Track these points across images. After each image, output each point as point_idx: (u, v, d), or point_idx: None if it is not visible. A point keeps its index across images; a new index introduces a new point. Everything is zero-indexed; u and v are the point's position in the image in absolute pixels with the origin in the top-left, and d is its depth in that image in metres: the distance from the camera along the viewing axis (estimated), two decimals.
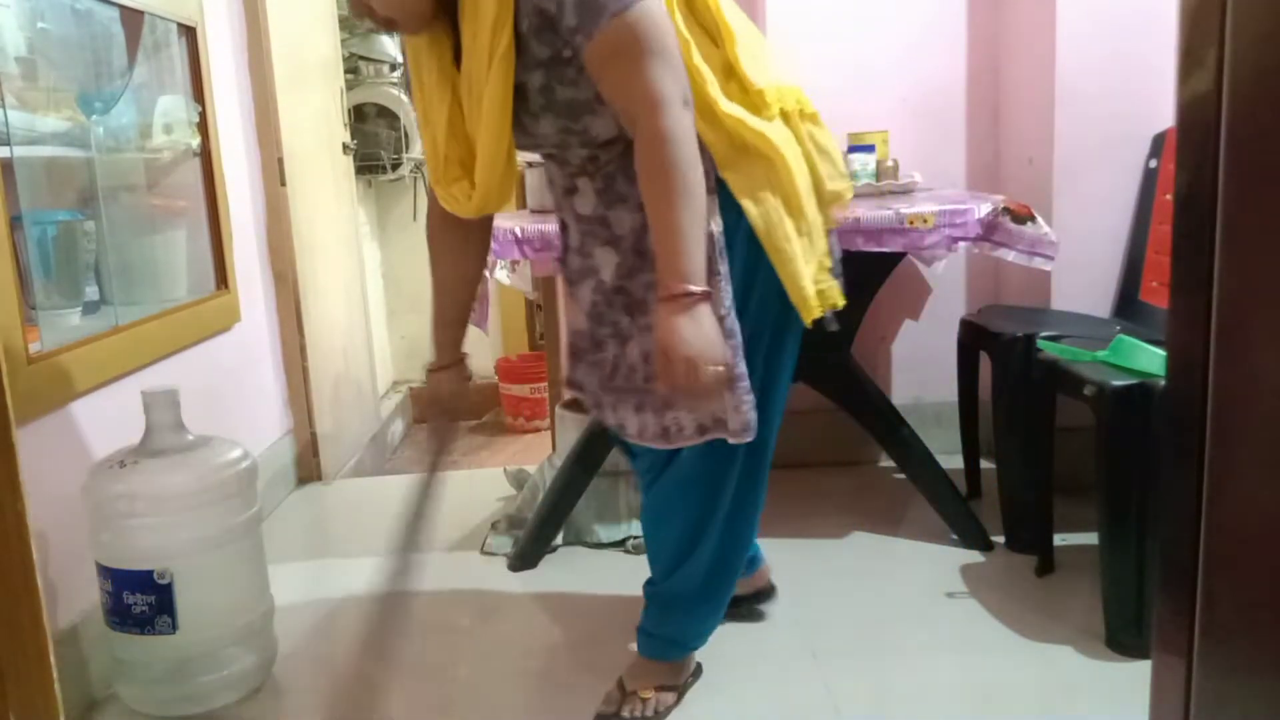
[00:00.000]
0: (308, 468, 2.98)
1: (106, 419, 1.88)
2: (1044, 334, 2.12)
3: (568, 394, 1.71)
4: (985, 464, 2.55)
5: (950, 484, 2.32)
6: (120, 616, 1.67)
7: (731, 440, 1.45)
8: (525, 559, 2.30)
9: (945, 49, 2.79)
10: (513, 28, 1.31)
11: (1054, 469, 2.09)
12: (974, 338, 2.43)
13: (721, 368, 1.31)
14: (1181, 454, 0.80)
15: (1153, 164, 2.47)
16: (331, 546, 2.56)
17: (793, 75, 1.52)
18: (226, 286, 2.47)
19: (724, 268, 1.41)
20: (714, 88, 1.40)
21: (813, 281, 1.47)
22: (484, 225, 1.63)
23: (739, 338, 1.42)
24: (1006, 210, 2.10)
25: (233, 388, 2.54)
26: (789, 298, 1.46)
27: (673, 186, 1.28)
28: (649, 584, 1.70)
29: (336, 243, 3.26)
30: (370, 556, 2.35)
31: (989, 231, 2.10)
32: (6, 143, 1.66)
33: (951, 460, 2.49)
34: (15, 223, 1.67)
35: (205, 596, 1.69)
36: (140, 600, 1.65)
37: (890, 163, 2.55)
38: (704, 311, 1.30)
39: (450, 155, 1.43)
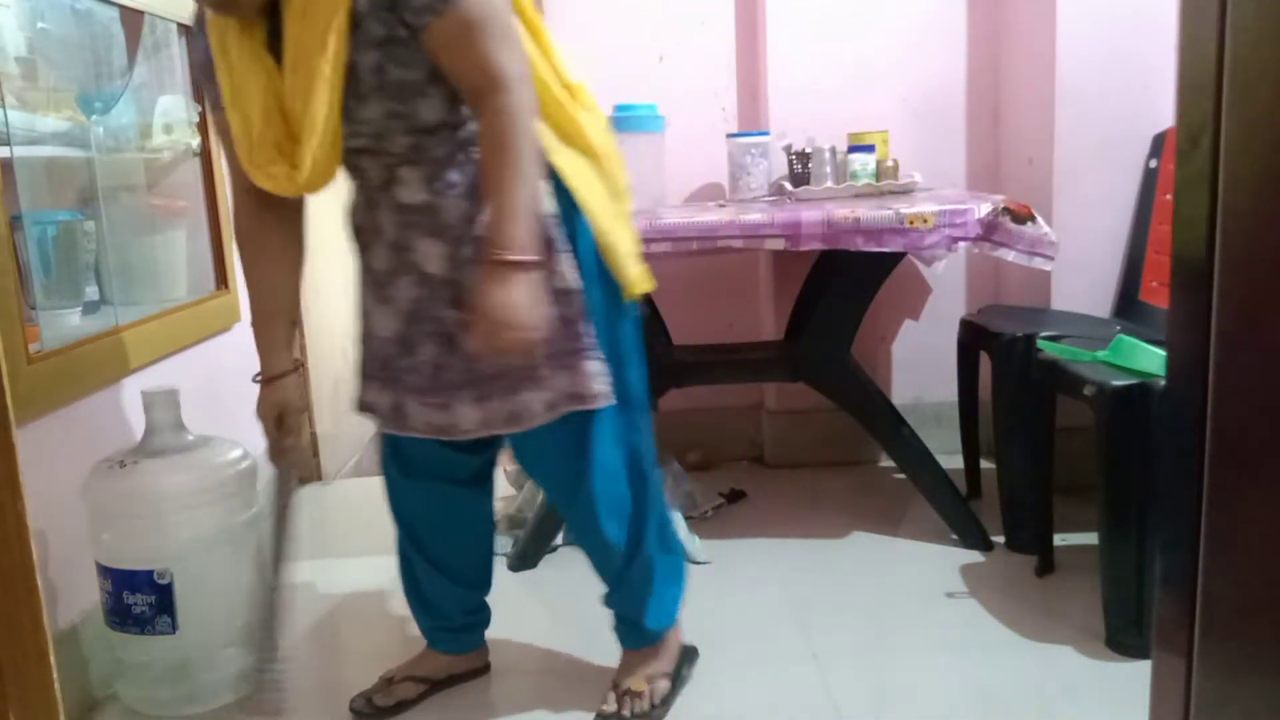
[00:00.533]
0: (308, 468, 2.98)
1: (106, 419, 1.88)
2: (1044, 334, 2.12)
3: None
4: (985, 464, 2.55)
5: (950, 484, 2.32)
6: (120, 616, 1.67)
7: (589, 406, 1.48)
8: (525, 559, 2.30)
9: (945, 49, 2.79)
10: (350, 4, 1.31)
11: (1054, 469, 2.09)
12: (974, 338, 2.43)
13: (533, 335, 1.36)
14: (1181, 453, 0.80)
15: (1153, 164, 2.47)
16: (331, 546, 2.56)
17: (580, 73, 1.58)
18: (226, 286, 2.47)
19: (565, 246, 1.46)
20: (547, 74, 1.46)
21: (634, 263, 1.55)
22: (300, 208, 1.60)
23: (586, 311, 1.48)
24: (1006, 210, 2.10)
25: (233, 388, 2.53)
26: (614, 278, 1.52)
27: (513, 160, 1.34)
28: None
29: (336, 242, 3.25)
30: (370, 556, 2.36)
31: (989, 231, 2.10)
32: (6, 143, 1.66)
33: (951, 460, 2.49)
34: (15, 223, 1.67)
35: (205, 596, 1.69)
36: (140, 600, 1.65)
37: (890, 163, 2.55)
38: (523, 280, 1.34)
39: (265, 137, 1.40)
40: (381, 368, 1.55)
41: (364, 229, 1.54)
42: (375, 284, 1.54)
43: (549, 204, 1.44)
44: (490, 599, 1.82)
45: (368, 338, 1.58)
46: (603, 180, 1.52)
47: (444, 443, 1.56)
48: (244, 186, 1.51)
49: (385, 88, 1.36)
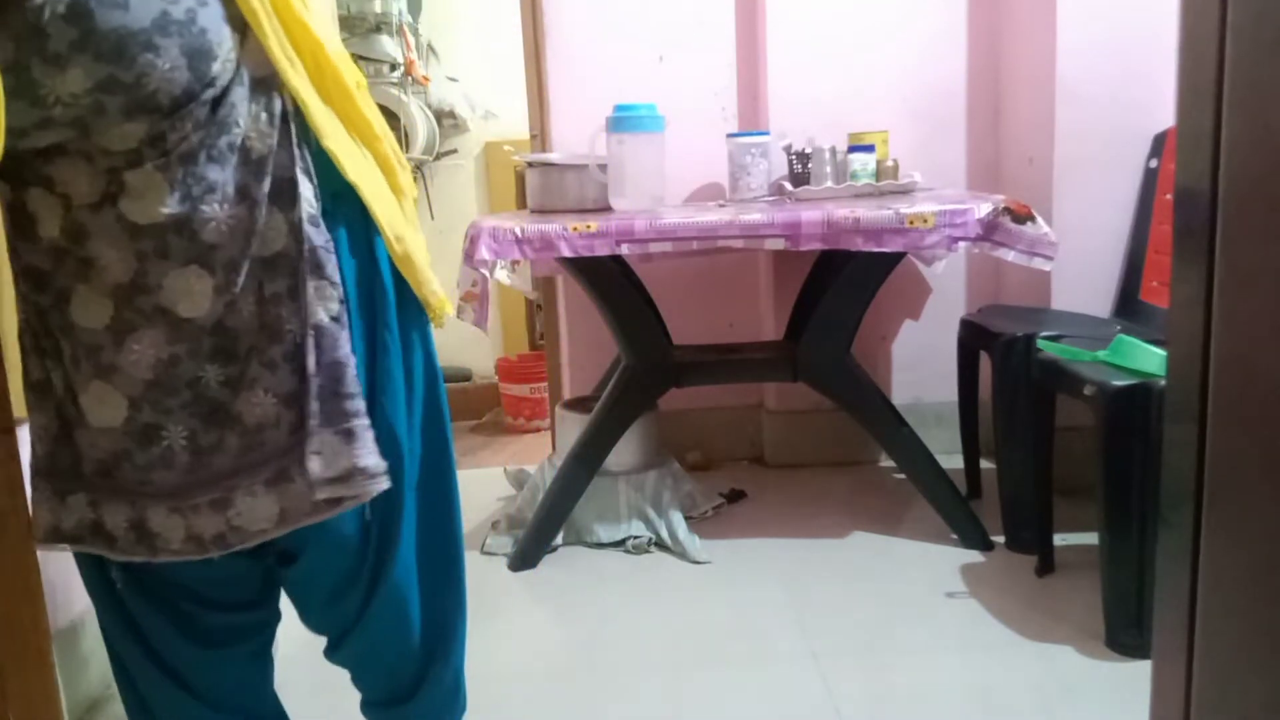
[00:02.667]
0: None
1: None
2: (1044, 334, 2.12)
3: (46, 548, 1.14)
4: (985, 464, 2.55)
5: (950, 484, 2.32)
6: None
7: (358, 496, 1.07)
8: (525, 559, 2.30)
9: (945, 49, 2.79)
10: None
11: (1054, 469, 2.09)
12: (974, 337, 2.43)
13: None
14: (1181, 451, 0.80)
15: (1153, 164, 2.47)
16: None
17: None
18: None
19: (331, 264, 1.04)
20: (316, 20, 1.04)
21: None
22: None
23: (352, 362, 1.06)
24: (1006, 210, 2.10)
25: None
26: (414, 295, 1.16)
27: None
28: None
29: None
30: None
31: (989, 231, 2.10)
32: None
33: (951, 460, 2.49)
34: None
35: None
36: None
37: (890, 163, 2.55)
38: None
39: None
40: (101, 473, 1.07)
41: (58, 272, 1.01)
42: (85, 352, 1.03)
43: (308, 202, 1.03)
44: (490, 599, 1.82)
45: (66, 433, 1.07)
46: (382, 168, 1.14)
47: (215, 564, 1.10)
48: None
49: (91, 43, 0.89)
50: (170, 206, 0.97)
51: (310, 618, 1.28)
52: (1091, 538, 1.89)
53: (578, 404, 2.58)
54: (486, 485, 2.84)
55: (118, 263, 0.99)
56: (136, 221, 0.98)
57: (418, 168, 4.29)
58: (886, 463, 2.79)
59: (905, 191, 2.49)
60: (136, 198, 0.97)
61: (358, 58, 4.11)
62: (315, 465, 1.04)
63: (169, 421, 1.04)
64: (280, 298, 1.03)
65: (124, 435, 1.04)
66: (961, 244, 2.08)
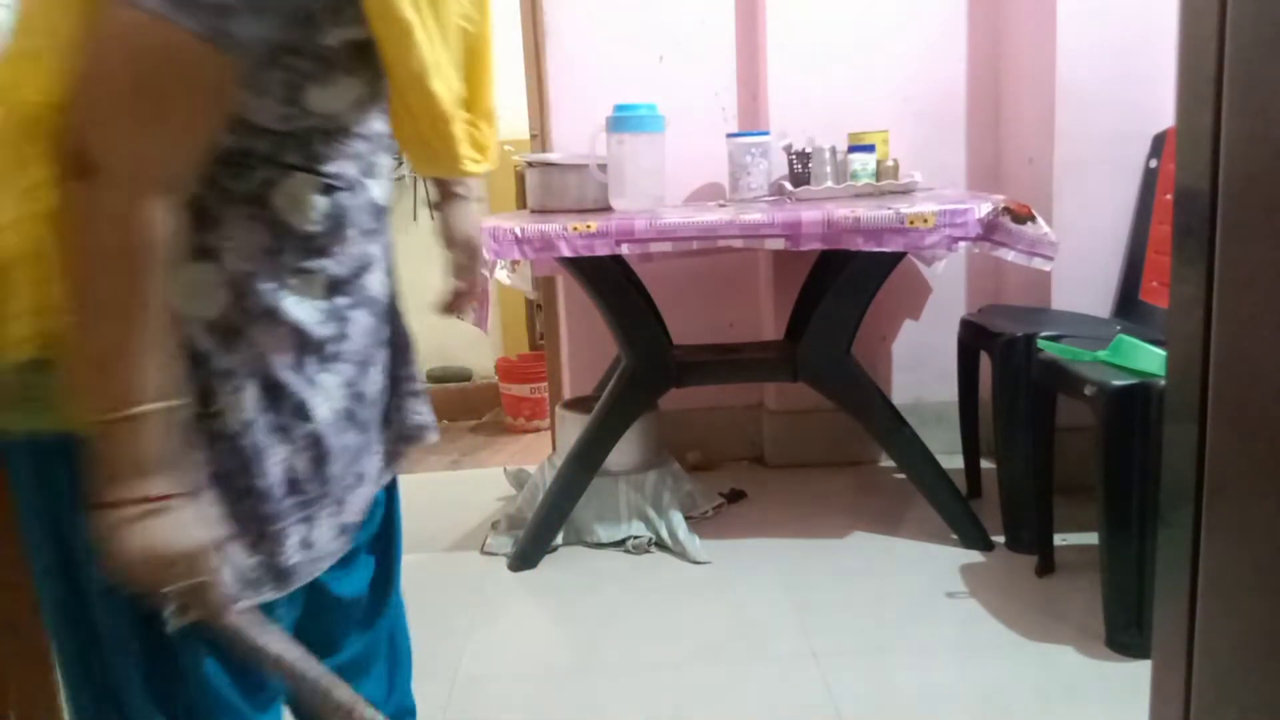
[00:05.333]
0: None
1: None
2: (1044, 334, 2.12)
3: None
4: (985, 464, 2.55)
5: (950, 484, 2.32)
6: None
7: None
8: (525, 559, 2.30)
9: (946, 49, 2.79)
10: None
11: (1054, 469, 2.09)
12: (974, 337, 2.43)
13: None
14: (1181, 451, 0.80)
15: (1153, 164, 2.47)
16: None
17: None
18: None
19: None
20: None
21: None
22: None
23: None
24: (1006, 210, 2.10)
25: None
26: None
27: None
28: None
29: None
30: None
31: (989, 231, 2.10)
32: None
33: (951, 460, 2.49)
34: None
35: None
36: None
37: (890, 163, 2.55)
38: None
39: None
40: (308, 485, 0.97)
41: (309, 257, 0.95)
42: (316, 341, 0.96)
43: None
44: (490, 599, 1.82)
45: (289, 439, 0.95)
46: None
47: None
48: None
49: None
50: (389, 187, 1.01)
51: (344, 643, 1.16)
52: (1091, 538, 1.89)
53: (578, 404, 2.58)
54: (486, 485, 2.84)
55: (356, 246, 0.97)
56: (379, 203, 0.99)
57: None
58: (886, 463, 2.79)
59: (905, 191, 2.49)
60: (380, 178, 0.99)
61: None
62: (416, 420, 1.10)
63: (373, 392, 1.04)
64: (379, 264, 1.03)
65: (335, 428, 0.98)
66: (961, 244, 2.08)
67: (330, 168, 0.92)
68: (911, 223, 2.06)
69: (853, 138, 2.59)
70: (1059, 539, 2.15)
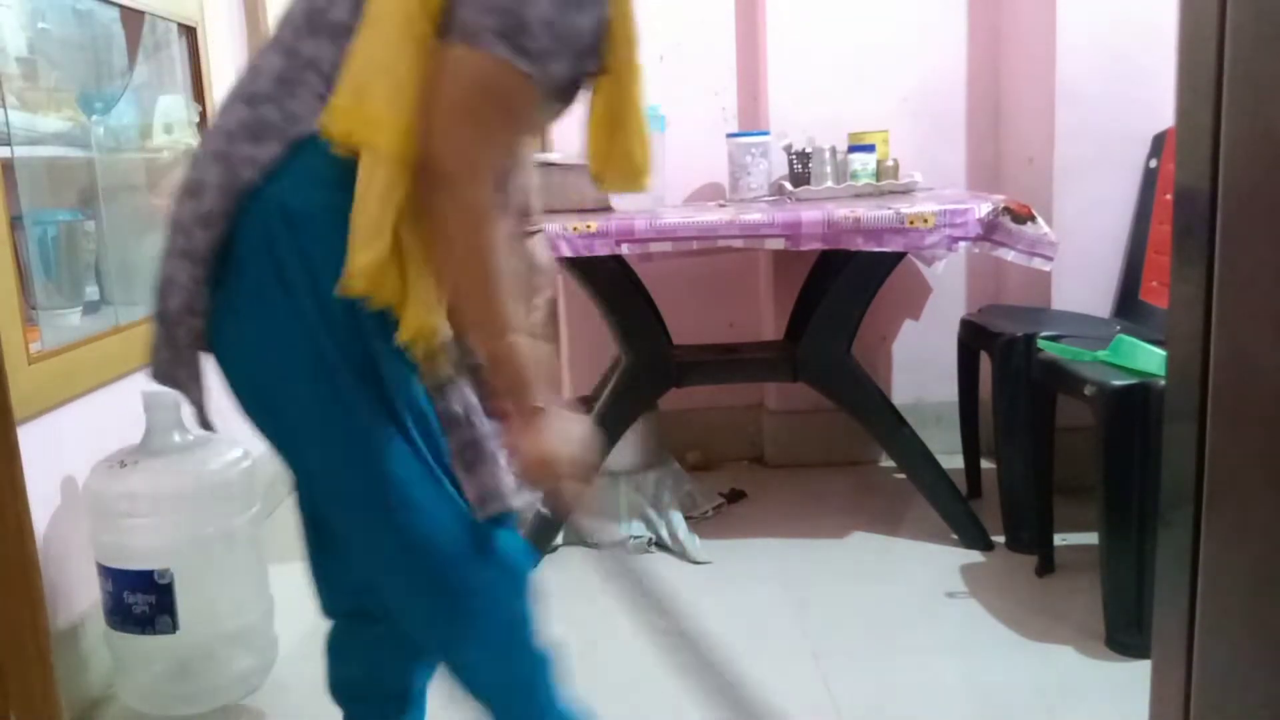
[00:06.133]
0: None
1: (106, 419, 1.88)
2: (1044, 334, 2.12)
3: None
4: (985, 464, 2.55)
5: (950, 484, 2.32)
6: (120, 616, 1.67)
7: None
8: None
9: (945, 49, 2.79)
10: None
11: (1054, 469, 2.09)
12: (974, 338, 2.43)
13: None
14: (1181, 451, 0.80)
15: (1153, 164, 2.47)
16: None
17: None
18: None
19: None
20: None
21: None
22: None
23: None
24: (1006, 210, 2.10)
25: None
26: None
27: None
28: None
29: None
30: None
31: (989, 231, 2.10)
32: (7, 143, 1.66)
33: (951, 460, 2.49)
34: (16, 223, 1.67)
35: (205, 596, 1.69)
36: (140, 600, 1.65)
37: (890, 163, 2.55)
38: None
39: None
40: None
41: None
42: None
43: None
44: None
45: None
46: None
47: None
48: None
49: None
50: None
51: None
52: (1091, 538, 1.89)
53: (578, 404, 2.58)
54: None
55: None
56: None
57: None
58: (886, 463, 2.79)
59: (905, 191, 2.49)
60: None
61: None
62: None
63: None
64: None
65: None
66: (961, 244, 2.08)
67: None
68: (911, 223, 2.06)
69: (853, 138, 2.59)
70: (1059, 539, 2.15)
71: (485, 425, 1.16)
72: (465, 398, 1.15)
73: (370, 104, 1.03)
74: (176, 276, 1.12)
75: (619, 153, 1.19)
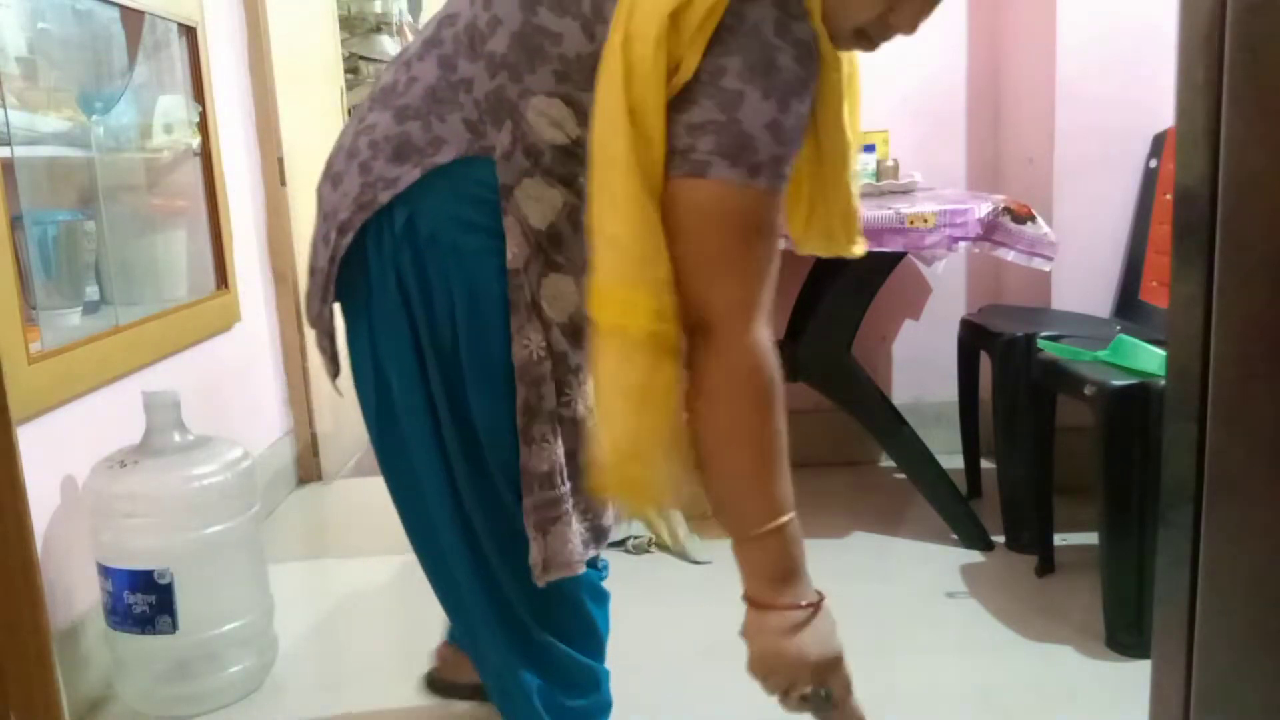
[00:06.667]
0: (308, 468, 2.98)
1: (106, 419, 1.88)
2: (1044, 334, 2.12)
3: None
4: (985, 464, 2.55)
5: (950, 484, 2.32)
6: (120, 616, 1.67)
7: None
8: None
9: (945, 48, 2.80)
10: None
11: (1054, 469, 2.09)
12: (974, 337, 2.43)
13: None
14: (1181, 451, 0.80)
15: (1153, 164, 2.47)
16: (331, 546, 2.56)
17: None
18: (226, 286, 2.46)
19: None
20: None
21: None
22: None
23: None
24: (1006, 210, 2.10)
25: (233, 388, 2.54)
26: None
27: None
28: None
29: None
30: (370, 556, 2.35)
31: (989, 231, 2.10)
32: (7, 143, 1.66)
33: (951, 460, 2.49)
34: (16, 223, 1.67)
35: (205, 596, 1.69)
36: (140, 600, 1.65)
37: (890, 163, 2.55)
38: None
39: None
40: None
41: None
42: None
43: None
44: None
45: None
46: None
47: None
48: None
49: None
50: None
51: None
52: (1091, 538, 1.89)
53: None
54: None
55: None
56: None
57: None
58: (886, 463, 2.79)
59: (905, 191, 2.49)
60: None
61: (357, 57, 4.11)
62: None
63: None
64: None
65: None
66: (961, 244, 2.08)
67: None
68: (911, 223, 2.06)
69: None
70: (1059, 539, 2.15)
71: (568, 483, 1.09)
72: (555, 454, 1.07)
73: (621, 286, 0.93)
74: (317, 261, 1.13)
75: (817, 229, 1.22)
